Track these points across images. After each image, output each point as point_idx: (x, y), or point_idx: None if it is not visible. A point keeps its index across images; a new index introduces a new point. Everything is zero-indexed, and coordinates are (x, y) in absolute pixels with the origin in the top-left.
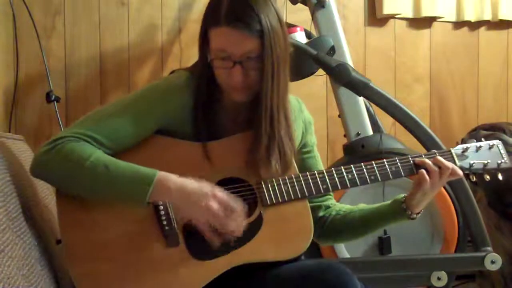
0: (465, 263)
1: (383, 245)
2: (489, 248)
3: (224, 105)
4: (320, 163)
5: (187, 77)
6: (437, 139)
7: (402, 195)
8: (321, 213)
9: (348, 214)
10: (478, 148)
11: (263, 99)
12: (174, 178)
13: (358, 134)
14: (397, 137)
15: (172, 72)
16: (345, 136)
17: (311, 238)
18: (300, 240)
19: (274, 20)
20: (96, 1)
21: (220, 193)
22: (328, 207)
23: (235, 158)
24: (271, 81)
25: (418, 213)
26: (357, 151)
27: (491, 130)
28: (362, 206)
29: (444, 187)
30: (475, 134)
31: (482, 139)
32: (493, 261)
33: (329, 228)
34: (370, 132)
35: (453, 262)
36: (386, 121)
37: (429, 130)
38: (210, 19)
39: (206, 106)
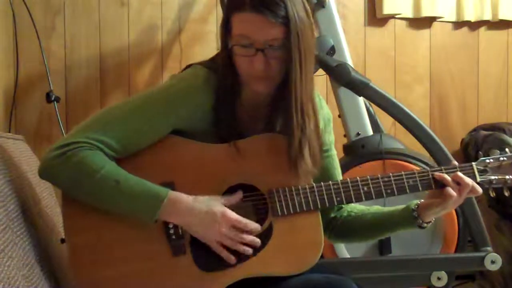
0: (465, 263)
1: (383, 245)
2: (489, 248)
3: (243, 101)
4: (336, 162)
5: (205, 76)
6: (437, 139)
7: (415, 201)
8: (332, 214)
9: (359, 217)
10: (500, 163)
11: (292, 91)
12: (184, 199)
13: (358, 134)
14: (397, 137)
15: (188, 66)
16: (345, 136)
17: (321, 252)
18: (310, 254)
19: (301, 9)
20: (96, 1)
21: (230, 214)
22: (340, 207)
23: (252, 161)
24: (299, 71)
25: (429, 222)
26: (357, 151)
27: (491, 130)
28: (375, 208)
29: None
30: (475, 134)
31: (507, 149)
32: (493, 261)
33: (340, 229)
34: (370, 132)
35: (453, 262)
36: (386, 121)
37: (429, 130)
38: (234, 4)
39: (227, 103)
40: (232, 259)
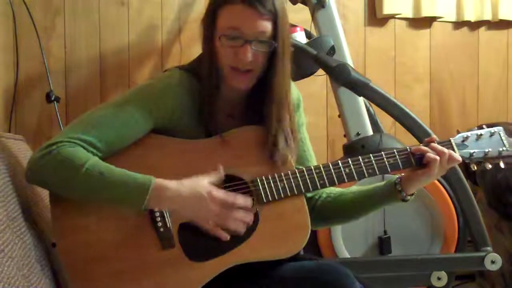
0: (465, 263)
1: (383, 245)
2: (489, 248)
3: (221, 100)
4: (307, 145)
5: (179, 77)
6: (437, 139)
7: (396, 176)
8: (309, 194)
9: (339, 197)
10: (478, 137)
11: (274, 85)
12: (170, 185)
13: (358, 134)
14: (397, 137)
15: (165, 71)
16: (345, 136)
17: (309, 235)
18: (298, 237)
19: (282, 3)
20: (96, 1)
21: (217, 192)
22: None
23: (235, 153)
24: (282, 65)
25: (412, 195)
26: (357, 151)
27: None
28: (355, 188)
29: (445, 187)
30: None
31: (484, 126)
32: (493, 261)
33: (320, 211)
34: (370, 132)
35: (453, 262)
36: (386, 121)
37: (429, 130)
38: None
39: (208, 101)
40: (226, 236)
